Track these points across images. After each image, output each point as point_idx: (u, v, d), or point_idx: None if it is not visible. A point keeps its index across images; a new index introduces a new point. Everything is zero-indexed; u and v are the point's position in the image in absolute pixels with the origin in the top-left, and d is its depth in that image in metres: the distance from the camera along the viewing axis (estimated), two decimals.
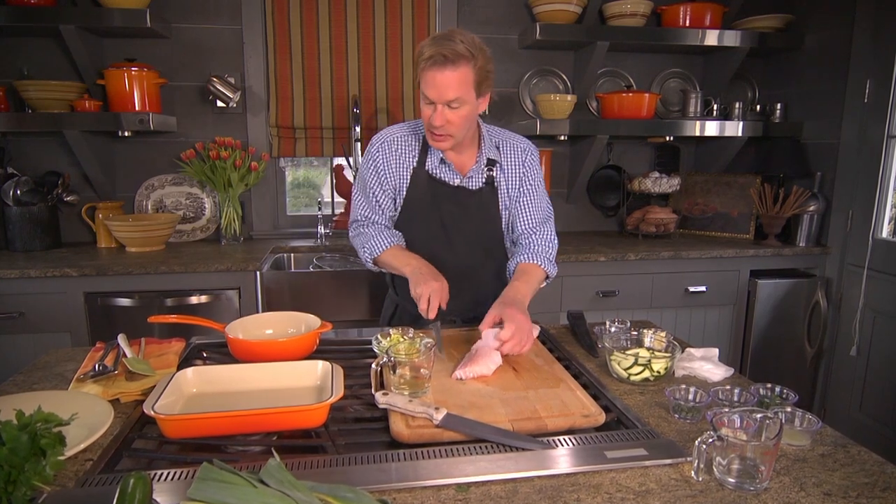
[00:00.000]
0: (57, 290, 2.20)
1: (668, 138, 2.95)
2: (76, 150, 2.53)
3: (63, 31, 2.38)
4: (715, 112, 2.95)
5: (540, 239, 1.60)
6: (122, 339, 1.31)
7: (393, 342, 1.27)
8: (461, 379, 1.19)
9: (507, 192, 1.61)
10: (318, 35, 2.82)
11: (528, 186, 1.61)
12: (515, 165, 1.61)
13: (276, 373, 1.15)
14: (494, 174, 1.59)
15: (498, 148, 1.60)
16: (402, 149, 1.57)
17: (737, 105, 2.92)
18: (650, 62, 3.12)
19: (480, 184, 1.59)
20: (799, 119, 2.91)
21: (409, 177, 1.57)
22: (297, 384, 1.14)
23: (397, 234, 1.60)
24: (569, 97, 2.77)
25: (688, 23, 2.82)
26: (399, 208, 1.61)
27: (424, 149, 1.57)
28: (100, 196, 2.73)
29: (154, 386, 1.07)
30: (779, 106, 2.94)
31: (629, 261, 2.58)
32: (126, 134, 2.55)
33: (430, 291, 1.35)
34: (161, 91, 2.65)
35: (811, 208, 2.73)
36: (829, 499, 0.83)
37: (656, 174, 2.99)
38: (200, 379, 1.12)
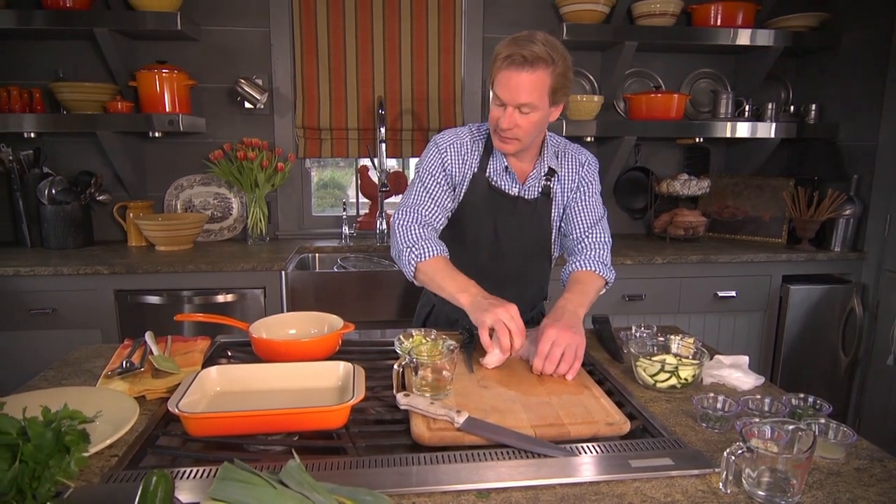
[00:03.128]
0: (88, 287, 2.25)
1: (697, 140, 2.90)
2: (108, 150, 2.58)
3: (97, 34, 2.43)
4: (747, 113, 2.88)
5: (593, 242, 1.52)
6: (149, 337, 1.33)
7: (415, 343, 1.26)
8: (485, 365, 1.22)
9: (561, 203, 1.58)
10: (345, 37, 2.84)
11: (583, 194, 1.57)
12: (572, 178, 1.58)
13: (299, 373, 1.15)
14: (551, 184, 1.56)
15: (557, 157, 1.56)
16: (467, 152, 1.53)
17: (769, 106, 2.85)
18: (680, 62, 3.07)
19: (537, 193, 1.56)
20: (835, 120, 2.82)
21: (468, 181, 1.54)
22: (319, 385, 1.14)
23: (445, 248, 1.44)
24: (596, 98, 2.74)
25: (719, 22, 2.76)
26: (452, 210, 1.57)
27: (486, 154, 1.53)
28: (131, 195, 2.79)
29: (179, 384, 1.08)
30: (813, 107, 2.86)
31: (656, 264, 2.53)
32: (156, 135, 2.60)
33: (498, 318, 1.19)
34: (190, 92, 2.70)
35: (847, 212, 2.65)
36: None
37: (685, 176, 2.94)
38: (224, 378, 1.13)
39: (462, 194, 1.55)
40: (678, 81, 3.09)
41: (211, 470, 0.86)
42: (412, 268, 1.40)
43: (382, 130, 2.72)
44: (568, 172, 1.57)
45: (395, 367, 1.09)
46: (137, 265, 2.26)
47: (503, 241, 1.57)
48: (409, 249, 1.40)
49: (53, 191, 2.55)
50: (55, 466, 0.62)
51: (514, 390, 1.15)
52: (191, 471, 0.87)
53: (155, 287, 2.29)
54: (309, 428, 1.00)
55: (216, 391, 1.11)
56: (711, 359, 1.31)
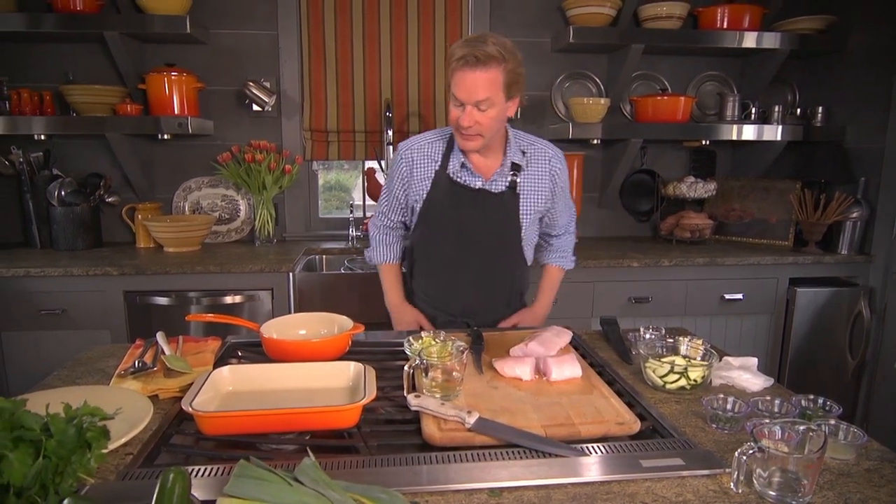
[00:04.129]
0: (98, 288, 2.27)
1: (704, 142, 2.90)
2: (118, 152, 2.60)
3: (107, 37, 2.45)
4: (753, 116, 2.89)
5: (569, 238, 1.82)
6: (160, 337, 1.34)
7: (425, 345, 1.27)
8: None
9: (530, 199, 1.62)
10: (352, 40, 2.85)
11: (561, 191, 1.66)
12: (541, 173, 1.62)
13: (310, 373, 1.16)
14: (518, 179, 1.59)
15: (524, 153, 1.61)
16: (426, 156, 1.61)
17: (776, 108, 2.85)
18: (686, 65, 3.07)
19: (503, 188, 1.59)
20: (841, 123, 2.82)
21: (432, 179, 1.59)
22: (330, 385, 1.15)
23: (398, 254, 1.81)
24: (602, 101, 2.75)
25: (725, 25, 2.76)
26: (419, 211, 1.63)
27: (448, 152, 1.59)
28: (139, 197, 2.80)
29: (191, 383, 1.09)
30: (820, 109, 2.86)
31: (663, 267, 2.53)
32: (165, 137, 2.61)
33: (409, 326, 1.71)
34: (199, 95, 2.71)
35: (854, 215, 2.64)
36: None
37: (692, 179, 2.94)
38: (236, 377, 1.14)
39: (426, 191, 1.60)
40: (684, 84, 3.09)
41: (224, 468, 0.87)
42: (374, 264, 1.83)
43: (389, 133, 2.72)
44: (536, 167, 1.62)
45: (406, 368, 1.10)
46: (146, 266, 2.28)
47: (469, 236, 1.60)
48: (369, 251, 1.82)
49: (63, 192, 2.57)
50: (76, 462, 0.62)
51: (524, 391, 1.15)
52: (204, 469, 0.87)
53: (163, 288, 2.31)
54: (321, 427, 1.00)
55: (228, 390, 1.12)
56: (720, 360, 1.31)
